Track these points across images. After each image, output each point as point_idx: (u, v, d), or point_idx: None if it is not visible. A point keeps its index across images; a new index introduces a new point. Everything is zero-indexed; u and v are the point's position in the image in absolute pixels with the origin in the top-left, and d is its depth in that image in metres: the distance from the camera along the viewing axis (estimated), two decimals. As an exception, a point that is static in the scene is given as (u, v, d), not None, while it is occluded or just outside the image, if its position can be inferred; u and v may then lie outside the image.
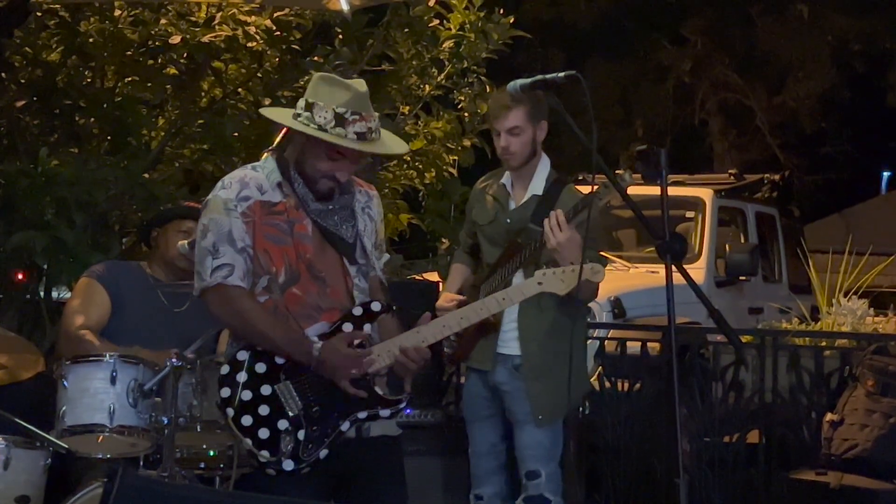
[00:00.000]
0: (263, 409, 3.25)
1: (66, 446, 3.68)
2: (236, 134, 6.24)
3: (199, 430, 3.87)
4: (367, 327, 3.35)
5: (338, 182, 3.36)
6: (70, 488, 3.77)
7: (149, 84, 6.26)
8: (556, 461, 4.33)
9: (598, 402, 5.56)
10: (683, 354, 5.39)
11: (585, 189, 4.47)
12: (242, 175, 3.36)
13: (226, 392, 3.26)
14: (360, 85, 3.33)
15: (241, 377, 3.27)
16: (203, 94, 6.45)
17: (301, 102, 3.33)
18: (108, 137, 6.17)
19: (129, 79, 6.27)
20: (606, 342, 5.76)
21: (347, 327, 3.32)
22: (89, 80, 6.24)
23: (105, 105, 6.04)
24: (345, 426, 3.28)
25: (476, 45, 6.60)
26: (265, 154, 3.44)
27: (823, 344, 5.57)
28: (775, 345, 5.37)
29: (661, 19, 16.24)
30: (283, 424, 3.23)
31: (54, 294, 5.64)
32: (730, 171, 10.05)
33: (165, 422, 3.74)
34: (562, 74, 3.12)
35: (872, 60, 16.47)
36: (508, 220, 4.39)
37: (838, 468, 4.69)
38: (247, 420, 3.24)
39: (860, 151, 17.21)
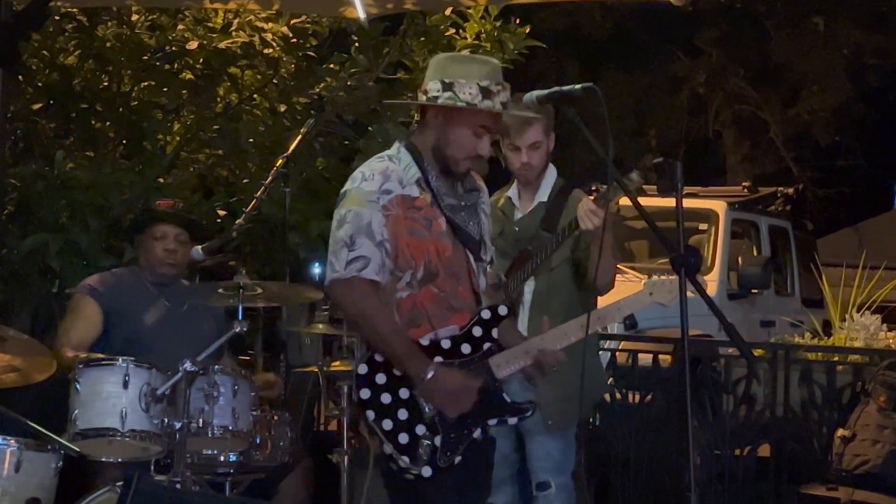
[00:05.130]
0: (402, 413, 3.17)
1: (78, 449, 3.68)
2: (251, 140, 6.27)
3: (210, 435, 3.89)
4: (494, 331, 3.31)
5: (480, 159, 3.34)
6: (81, 492, 3.77)
7: (165, 89, 6.29)
8: (567, 473, 4.29)
9: (608, 413, 5.55)
10: (695, 367, 5.38)
11: None
12: (384, 167, 3.25)
13: (365, 393, 3.18)
14: (491, 58, 3.39)
15: (381, 379, 3.19)
16: (218, 99, 6.47)
17: (434, 85, 3.25)
18: (124, 141, 6.20)
19: (146, 83, 6.31)
20: (618, 354, 5.75)
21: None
22: (106, 84, 6.27)
23: (121, 109, 6.07)
24: (477, 433, 3.27)
25: (492, 55, 6.59)
26: (395, 144, 3.34)
27: (836, 359, 5.55)
28: (787, 359, 5.36)
29: (676, 31, 16.19)
30: (420, 429, 3.17)
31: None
32: (743, 183, 10.00)
33: (177, 426, 3.75)
34: (578, 86, 3.10)
35: (887, 74, 16.42)
36: (517, 229, 4.39)
37: (849, 484, 4.67)
38: (387, 424, 3.16)
39: (874, 165, 17.14)
